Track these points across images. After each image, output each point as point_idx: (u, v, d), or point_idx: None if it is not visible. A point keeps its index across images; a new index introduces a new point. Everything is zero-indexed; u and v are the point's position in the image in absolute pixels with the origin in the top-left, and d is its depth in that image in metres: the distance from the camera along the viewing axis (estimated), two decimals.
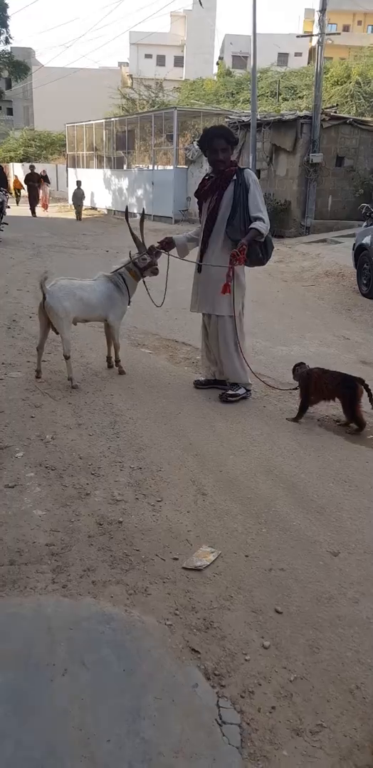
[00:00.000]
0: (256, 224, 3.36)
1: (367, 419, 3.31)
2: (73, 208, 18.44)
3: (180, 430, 3.19)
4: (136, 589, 1.93)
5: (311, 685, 1.57)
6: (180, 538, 2.22)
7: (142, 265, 3.88)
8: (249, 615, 1.82)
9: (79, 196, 17.61)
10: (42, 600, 1.88)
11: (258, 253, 3.48)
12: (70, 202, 20.01)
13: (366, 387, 3.14)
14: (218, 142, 3.41)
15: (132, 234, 3.89)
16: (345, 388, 3.17)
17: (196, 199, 3.74)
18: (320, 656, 1.67)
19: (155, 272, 3.90)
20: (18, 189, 23.81)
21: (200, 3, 15.62)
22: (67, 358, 3.76)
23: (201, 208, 3.65)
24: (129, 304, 4.02)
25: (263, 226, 3.37)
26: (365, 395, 3.15)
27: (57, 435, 3.07)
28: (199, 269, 3.63)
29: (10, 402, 3.47)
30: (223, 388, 3.74)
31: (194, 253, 3.79)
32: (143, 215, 4.05)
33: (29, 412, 3.35)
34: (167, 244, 3.78)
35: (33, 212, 18.18)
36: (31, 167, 19.18)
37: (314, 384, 3.27)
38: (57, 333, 3.79)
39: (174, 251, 3.82)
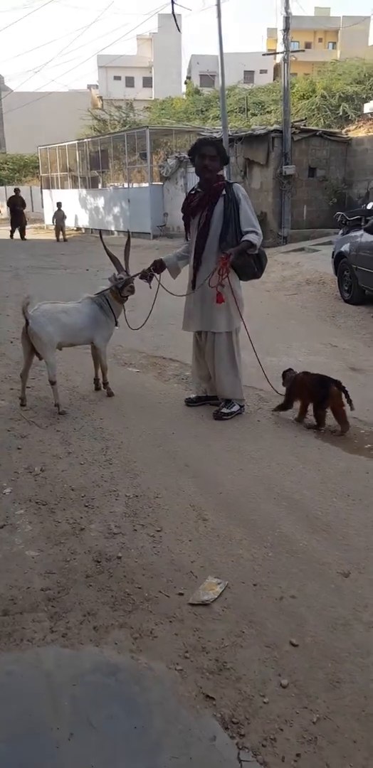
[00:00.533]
0: (248, 236, 3.30)
1: (362, 427, 3.27)
2: (53, 228, 17.87)
3: (175, 452, 3.09)
4: (141, 632, 1.81)
5: (335, 726, 1.47)
6: (184, 570, 2.10)
7: (120, 285, 3.80)
8: (263, 651, 1.71)
9: (59, 217, 16.99)
10: (41, 653, 1.74)
11: (253, 267, 3.41)
12: (49, 222, 19.48)
13: (343, 389, 3.23)
14: (207, 149, 3.35)
15: (108, 253, 3.81)
16: (320, 388, 3.28)
17: (179, 214, 3.66)
18: (342, 691, 1.58)
19: (131, 290, 3.81)
20: None
21: (178, 29, 16.22)
22: (52, 383, 3.63)
23: (188, 224, 3.56)
24: (116, 325, 3.92)
25: (256, 238, 3.32)
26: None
27: (46, 466, 2.93)
28: (193, 287, 3.53)
29: None
30: (215, 404, 3.67)
31: (184, 271, 3.68)
32: (129, 238, 3.93)
33: (15, 443, 3.21)
34: (159, 266, 3.65)
35: (12, 235, 17.31)
36: (16, 190, 18.07)
37: (297, 385, 3.42)
38: (41, 359, 3.67)
39: (166, 273, 3.67)
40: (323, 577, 2.03)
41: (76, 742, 1.43)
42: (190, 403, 3.77)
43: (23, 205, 17.61)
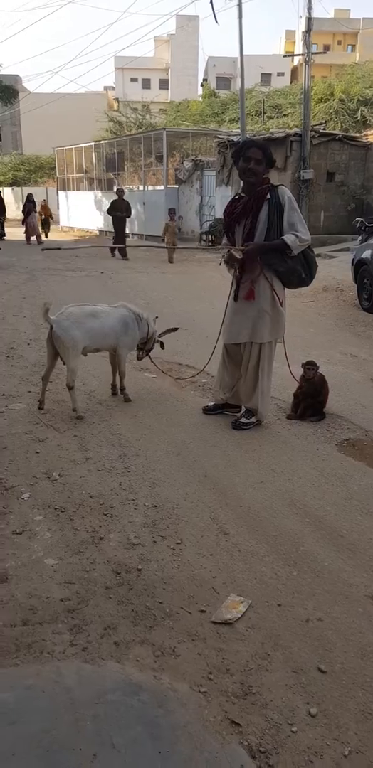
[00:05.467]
0: (284, 236, 3.12)
1: None
2: (165, 243, 11.95)
3: (193, 461, 3.05)
4: (163, 650, 1.77)
5: (368, 761, 1.42)
6: (205, 585, 2.06)
7: (149, 345, 4.09)
8: (290, 676, 1.66)
9: (171, 230, 12.09)
10: (62, 667, 1.71)
11: (299, 272, 3.21)
12: (161, 237, 12.88)
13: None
14: (253, 152, 3.14)
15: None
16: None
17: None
18: None
19: (147, 351, 4.17)
20: (48, 216, 18.77)
21: (216, 20, 16.91)
22: (70, 388, 3.61)
23: (233, 232, 3.33)
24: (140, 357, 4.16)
25: (293, 240, 3.11)
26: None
27: (64, 471, 2.92)
28: (235, 298, 3.38)
29: (13, 436, 3.31)
30: (232, 413, 3.61)
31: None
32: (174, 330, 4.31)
33: (34, 446, 3.19)
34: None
35: (114, 252, 13.02)
36: (119, 192, 13.51)
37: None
38: (64, 363, 3.66)
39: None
40: (350, 600, 1.97)
41: (99, 765, 1.40)
42: (207, 410, 3.72)
43: (128, 211, 13.06)
